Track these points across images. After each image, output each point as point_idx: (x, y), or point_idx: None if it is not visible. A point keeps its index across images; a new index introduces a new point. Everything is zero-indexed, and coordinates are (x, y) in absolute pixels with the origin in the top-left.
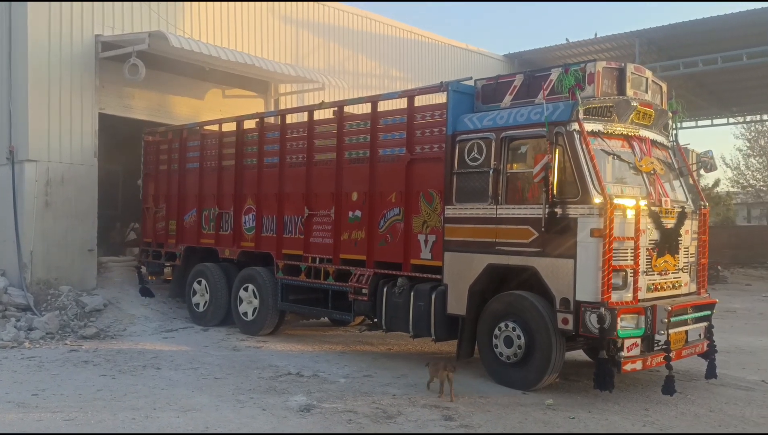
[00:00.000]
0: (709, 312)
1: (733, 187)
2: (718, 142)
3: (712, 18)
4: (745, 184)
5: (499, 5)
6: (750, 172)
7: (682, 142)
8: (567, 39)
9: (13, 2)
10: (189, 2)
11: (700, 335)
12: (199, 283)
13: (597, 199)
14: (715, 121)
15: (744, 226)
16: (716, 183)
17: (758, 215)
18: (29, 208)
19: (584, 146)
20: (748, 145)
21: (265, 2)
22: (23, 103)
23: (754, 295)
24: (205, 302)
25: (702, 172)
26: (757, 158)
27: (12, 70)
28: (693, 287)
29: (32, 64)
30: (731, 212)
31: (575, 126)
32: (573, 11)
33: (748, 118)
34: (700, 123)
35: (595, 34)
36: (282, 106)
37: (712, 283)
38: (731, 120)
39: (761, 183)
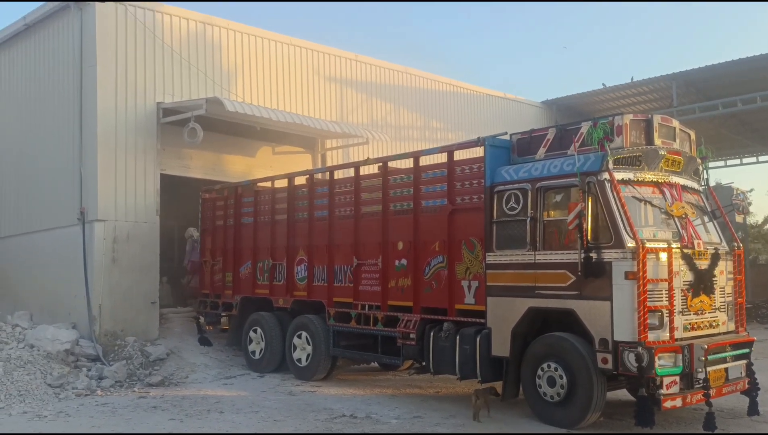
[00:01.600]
0: (747, 350)
1: None
2: (766, 178)
3: (749, 58)
4: None
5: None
6: None
7: (725, 180)
8: (603, 84)
9: (83, 74)
10: (241, 68)
11: (741, 373)
12: (255, 331)
13: (630, 244)
14: (761, 158)
15: None
16: (766, 220)
17: None
18: (98, 265)
19: (615, 194)
20: None
21: (311, 64)
22: (92, 167)
23: None
24: (261, 350)
25: (736, 213)
26: None
27: (83, 136)
28: (731, 326)
29: (101, 130)
30: None
31: (606, 175)
32: (609, 56)
33: None
34: (744, 160)
35: (632, 78)
36: (329, 161)
37: (764, 321)
38: None
39: None
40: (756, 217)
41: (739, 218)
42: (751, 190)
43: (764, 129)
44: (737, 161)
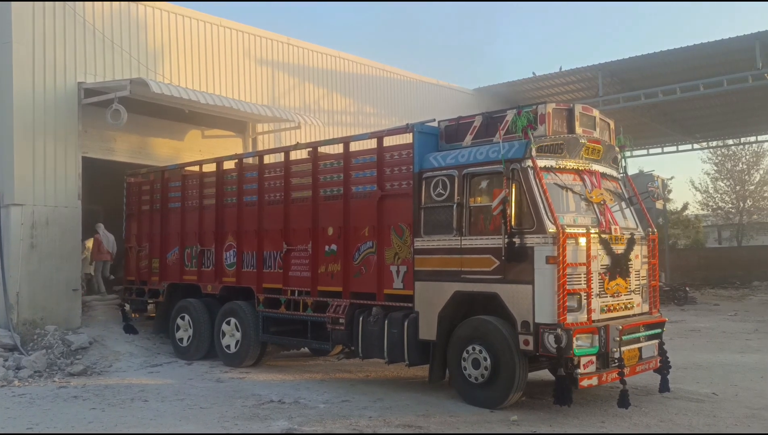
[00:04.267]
0: (659, 330)
1: (702, 209)
2: (687, 166)
3: (670, 51)
4: (715, 206)
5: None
6: (719, 195)
7: (647, 168)
8: (534, 73)
9: None
10: (168, 48)
11: (654, 352)
12: (183, 318)
13: (551, 229)
14: (680, 147)
15: (714, 247)
16: (685, 206)
17: (728, 237)
18: (15, 251)
19: (538, 181)
20: (715, 168)
21: (241, 46)
22: (9, 149)
23: (720, 315)
24: (189, 337)
25: (652, 200)
26: (724, 181)
27: None
28: (645, 308)
29: (17, 110)
30: (701, 235)
31: (529, 163)
32: (540, 46)
33: (713, 144)
34: (666, 149)
35: (560, 68)
36: (260, 145)
37: (681, 304)
38: (695, 146)
39: (729, 205)
40: (676, 203)
41: (659, 204)
42: (672, 178)
43: (684, 119)
44: (659, 150)
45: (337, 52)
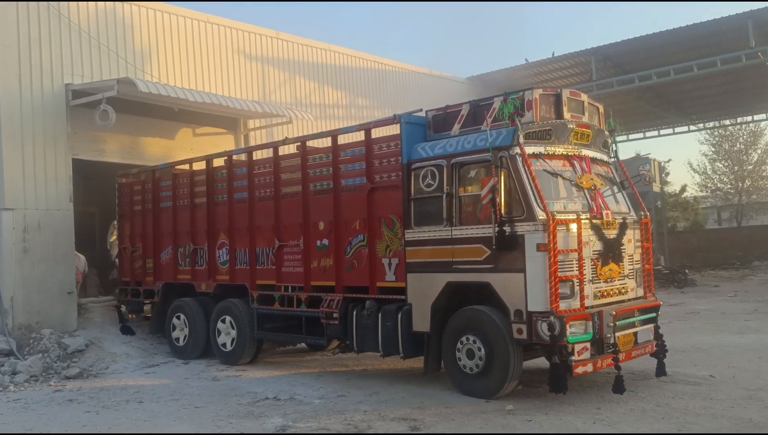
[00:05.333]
0: (655, 314)
1: (701, 191)
2: (684, 148)
3: (663, 32)
4: (714, 187)
5: (459, 30)
6: (717, 176)
7: (644, 152)
8: (526, 59)
9: None
10: (156, 47)
11: (650, 336)
12: (178, 317)
13: (540, 216)
14: (677, 129)
15: (713, 229)
16: (683, 189)
17: (728, 217)
18: (8, 255)
19: (526, 168)
20: (713, 150)
21: (230, 42)
22: None
23: (720, 296)
24: (185, 336)
25: (643, 183)
26: (722, 162)
27: None
28: (640, 292)
29: (5, 115)
30: (700, 216)
31: (517, 150)
32: (532, 33)
33: (710, 125)
34: (662, 132)
35: (553, 54)
36: (251, 141)
37: (681, 286)
38: (691, 127)
39: (728, 186)
40: (674, 186)
41: (656, 187)
42: (669, 161)
43: (679, 101)
44: (655, 133)
45: (327, 45)
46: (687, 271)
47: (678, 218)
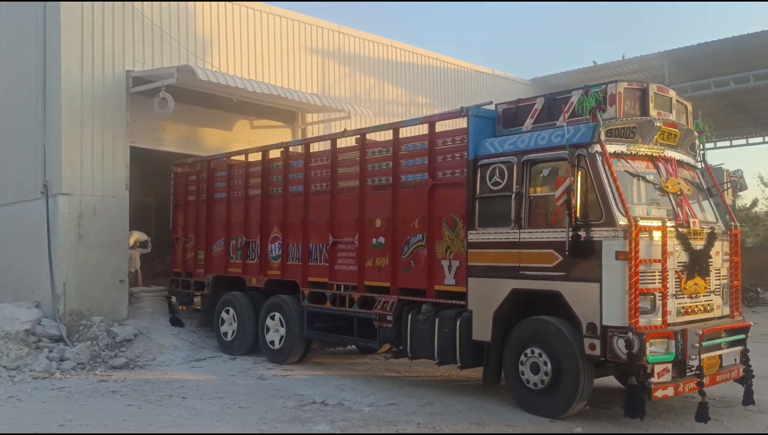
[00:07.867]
0: (743, 336)
1: None
2: (755, 161)
3: (742, 36)
4: None
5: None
6: None
7: (715, 162)
8: (594, 62)
9: (47, 40)
10: (217, 36)
11: (735, 360)
12: (227, 312)
13: (621, 222)
14: (751, 140)
15: None
16: (754, 203)
17: None
18: (62, 241)
19: (607, 168)
20: None
21: (291, 34)
22: (57, 139)
23: None
24: (233, 331)
25: (733, 191)
26: None
27: (46, 107)
28: (726, 310)
29: (65, 101)
30: None
31: (597, 148)
32: (601, 35)
33: None
34: (734, 142)
35: (623, 56)
36: (309, 136)
37: (752, 305)
38: (767, 138)
39: None
40: (744, 199)
41: (728, 200)
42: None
43: (756, 110)
44: (727, 143)
45: (388, 41)
46: (759, 289)
47: (748, 234)
